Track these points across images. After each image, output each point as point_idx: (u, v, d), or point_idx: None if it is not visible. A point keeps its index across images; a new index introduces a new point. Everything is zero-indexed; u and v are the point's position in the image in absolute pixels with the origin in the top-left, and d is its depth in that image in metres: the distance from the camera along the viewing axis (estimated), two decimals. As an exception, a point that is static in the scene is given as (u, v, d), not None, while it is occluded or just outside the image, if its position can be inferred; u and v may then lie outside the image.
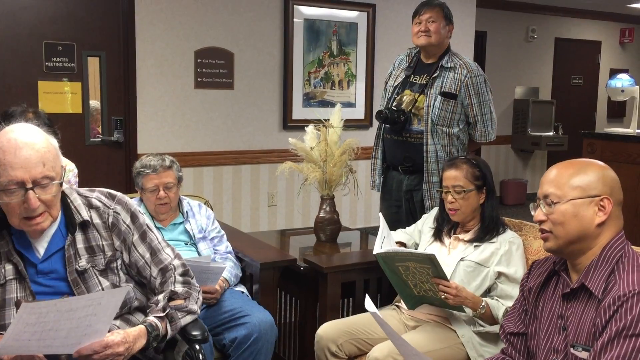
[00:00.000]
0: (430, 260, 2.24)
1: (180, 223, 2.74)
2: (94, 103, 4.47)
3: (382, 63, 5.42)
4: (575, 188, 1.55)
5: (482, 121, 3.17)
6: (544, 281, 1.69)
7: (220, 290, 2.56)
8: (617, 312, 1.42)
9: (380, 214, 2.74)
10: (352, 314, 2.72)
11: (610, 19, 8.79)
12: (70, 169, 2.94)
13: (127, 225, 1.81)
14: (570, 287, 1.59)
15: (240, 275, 2.75)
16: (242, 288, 2.74)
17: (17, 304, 1.58)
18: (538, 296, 1.69)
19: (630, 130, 4.81)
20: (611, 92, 5.10)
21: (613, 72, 7.78)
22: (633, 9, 8.34)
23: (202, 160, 4.78)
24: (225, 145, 4.88)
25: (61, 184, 1.67)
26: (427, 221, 2.72)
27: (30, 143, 1.61)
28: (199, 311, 1.83)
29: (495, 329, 2.29)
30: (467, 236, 2.48)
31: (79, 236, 1.74)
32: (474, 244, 2.44)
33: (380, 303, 2.87)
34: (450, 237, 2.55)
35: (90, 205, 1.79)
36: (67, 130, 4.31)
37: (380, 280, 2.92)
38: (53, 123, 2.70)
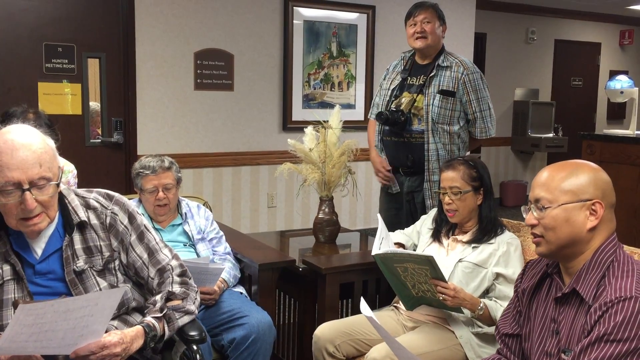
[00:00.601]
0: (429, 262, 2.24)
1: (179, 224, 2.74)
2: (94, 104, 4.47)
3: (382, 65, 5.42)
4: (567, 192, 1.54)
5: (481, 117, 3.20)
6: (537, 283, 1.68)
7: (219, 291, 2.56)
8: (601, 317, 1.43)
9: (379, 215, 2.74)
10: (351, 315, 2.72)
11: (610, 20, 8.80)
12: (70, 169, 2.95)
13: (125, 226, 1.81)
14: (562, 291, 1.58)
15: (239, 276, 2.76)
16: (240, 289, 2.74)
17: (15, 305, 1.57)
18: (532, 298, 1.69)
19: (630, 132, 4.81)
20: (610, 94, 5.10)
21: (613, 74, 7.78)
22: (633, 11, 8.35)
23: (202, 162, 4.79)
24: (225, 146, 4.89)
25: (58, 185, 1.68)
26: (426, 222, 2.72)
27: (27, 144, 1.61)
28: (196, 312, 1.83)
29: (493, 330, 2.29)
30: (465, 237, 2.48)
31: (76, 237, 1.75)
32: (472, 245, 2.44)
33: (379, 304, 2.87)
34: (448, 238, 2.55)
35: (88, 206, 1.79)
36: (67, 131, 4.32)
37: (379, 281, 2.92)
38: (53, 124, 2.70)
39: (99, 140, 4.49)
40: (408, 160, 3.20)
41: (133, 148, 4.51)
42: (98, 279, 1.75)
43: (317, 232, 3.18)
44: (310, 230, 3.27)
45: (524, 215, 1.63)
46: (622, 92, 4.97)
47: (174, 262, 1.87)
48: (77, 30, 4.34)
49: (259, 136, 5.04)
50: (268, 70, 5.02)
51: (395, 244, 2.70)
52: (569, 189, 1.54)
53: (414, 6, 3.23)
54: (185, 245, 2.71)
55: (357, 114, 5.45)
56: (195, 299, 1.85)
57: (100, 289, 1.74)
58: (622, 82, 5.00)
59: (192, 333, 1.77)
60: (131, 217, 1.84)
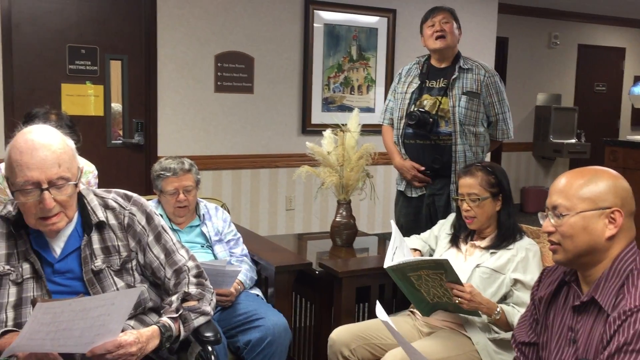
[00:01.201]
0: (443, 266, 2.23)
1: (197, 225, 2.76)
2: (116, 106, 4.53)
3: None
4: (585, 200, 1.51)
5: (503, 119, 3.22)
6: (554, 291, 1.66)
7: (236, 293, 2.57)
8: (620, 327, 1.40)
9: (393, 222, 2.72)
10: (367, 319, 2.72)
11: (635, 25, 8.67)
12: (90, 170, 2.98)
13: (142, 227, 1.83)
14: (581, 299, 1.56)
15: (256, 278, 2.76)
16: (257, 291, 2.75)
17: (33, 303, 1.60)
18: (549, 306, 1.67)
19: (654, 138, 4.73)
20: (635, 99, 5.03)
21: (637, 79, 7.67)
22: (659, 15, 8.23)
23: (221, 164, 4.81)
24: (244, 148, 4.91)
25: (76, 185, 1.69)
26: (444, 227, 2.71)
27: (47, 144, 1.64)
28: (212, 313, 1.84)
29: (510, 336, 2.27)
30: (484, 243, 2.46)
31: (95, 236, 1.77)
32: (490, 250, 2.42)
33: (395, 308, 2.86)
34: (466, 243, 2.53)
35: (106, 206, 1.81)
36: (89, 132, 4.37)
37: (396, 286, 2.90)
38: (75, 125, 2.74)
39: (120, 142, 4.54)
40: (436, 162, 3.18)
41: (153, 149, 4.56)
42: (115, 278, 1.77)
43: (335, 235, 3.18)
44: (328, 233, 3.27)
45: (541, 222, 1.61)
46: (646, 98, 4.90)
47: (190, 263, 1.88)
48: (100, 32, 4.40)
49: (278, 139, 5.05)
50: (288, 73, 5.03)
51: (412, 250, 2.69)
52: (587, 196, 1.51)
53: (430, 10, 3.24)
54: (202, 246, 2.73)
55: (377, 118, 5.38)
56: (211, 300, 1.85)
57: (118, 289, 1.76)
58: (646, 87, 4.93)
59: (208, 334, 1.78)
60: (149, 218, 1.85)
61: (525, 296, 2.30)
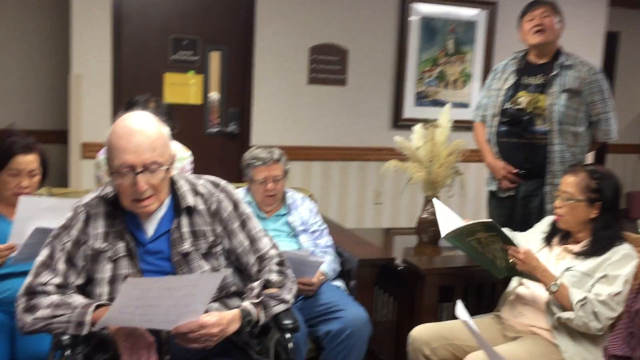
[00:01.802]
0: (493, 227, 2.27)
1: (284, 215, 2.81)
2: (214, 95, 4.68)
3: (501, 63, 5.24)
4: None
5: (605, 119, 3.06)
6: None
7: (318, 283, 2.60)
8: None
9: (436, 200, 2.70)
10: (450, 319, 2.67)
11: None
12: (186, 156, 3.10)
13: (229, 213, 1.89)
14: None
15: (339, 270, 2.78)
16: (339, 283, 2.77)
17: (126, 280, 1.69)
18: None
19: None
20: None
21: None
22: None
23: (312, 155, 4.87)
24: (334, 140, 4.93)
25: (168, 170, 1.77)
26: (540, 227, 2.61)
27: (142, 130, 1.72)
28: (292, 301, 1.87)
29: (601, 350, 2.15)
30: (577, 248, 2.35)
31: (184, 220, 1.84)
32: (582, 257, 2.30)
33: (479, 310, 2.78)
34: (560, 245, 2.42)
35: (196, 192, 1.89)
36: (187, 120, 4.56)
37: (482, 287, 2.84)
38: (172, 113, 2.86)
39: (216, 130, 4.70)
40: (527, 161, 3.07)
41: (247, 138, 4.67)
42: (202, 261, 1.83)
43: (421, 231, 3.14)
44: (415, 229, 3.23)
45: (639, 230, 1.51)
46: None
47: (273, 251, 1.92)
48: (201, 24, 4.56)
49: (369, 132, 5.04)
50: (382, 67, 5.00)
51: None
52: None
53: (531, 2, 3.10)
54: (288, 235, 2.78)
55: (471, 114, 5.28)
56: (292, 288, 1.88)
57: (203, 272, 1.82)
58: None
59: (286, 321, 1.81)
60: (235, 205, 1.91)
61: (604, 288, 2.18)
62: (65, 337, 1.62)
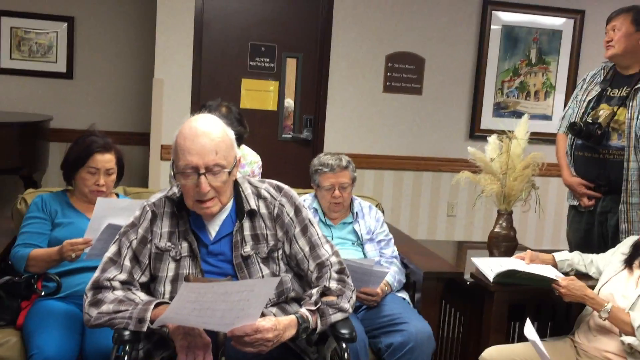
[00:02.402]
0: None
1: (350, 223, 2.78)
2: (289, 101, 4.73)
3: (587, 74, 5.00)
4: None
5: None
6: None
7: (382, 294, 2.55)
8: None
9: (473, 259, 2.69)
10: (519, 340, 2.55)
11: None
12: (255, 160, 3.14)
13: (291, 218, 1.88)
14: None
15: (404, 281, 2.73)
16: (404, 294, 2.71)
17: (187, 279, 1.72)
18: None
19: None
20: None
21: None
22: None
23: (384, 164, 4.82)
24: (408, 150, 4.86)
25: (231, 173, 1.79)
26: (621, 248, 2.46)
27: (208, 132, 1.75)
28: (350, 310, 1.84)
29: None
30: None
31: (246, 223, 1.85)
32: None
33: (552, 332, 2.65)
34: (641, 269, 2.28)
35: (259, 195, 1.89)
36: (262, 125, 4.63)
37: (555, 307, 2.70)
38: (243, 118, 2.90)
39: (290, 136, 4.74)
40: (600, 178, 2.91)
41: (320, 145, 4.69)
42: (262, 265, 1.84)
43: (492, 246, 3.03)
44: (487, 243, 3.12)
45: None
46: None
47: (333, 259, 1.89)
48: (279, 31, 4.62)
49: (444, 142, 4.93)
50: (459, 76, 4.89)
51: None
52: None
53: (612, 13, 2.96)
54: (353, 244, 2.75)
55: (554, 127, 5.04)
56: (351, 297, 1.85)
57: (263, 276, 1.82)
58: None
59: (343, 331, 1.78)
60: (297, 210, 1.90)
61: None
62: (127, 333, 1.66)
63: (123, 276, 1.79)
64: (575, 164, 3.04)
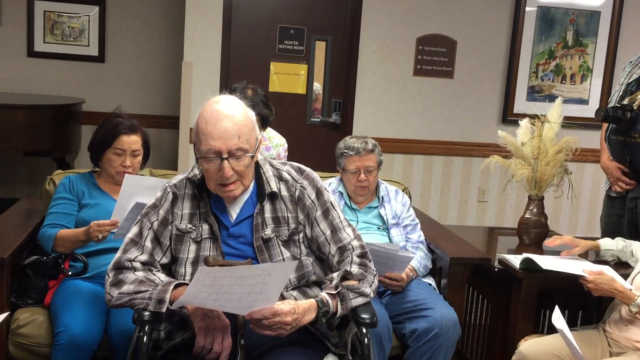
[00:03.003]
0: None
1: (376, 207, 2.75)
2: (317, 85, 4.69)
3: (627, 57, 4.82)
4: None
5: None
6: None
7: (407, 279, 2.52)
8: None
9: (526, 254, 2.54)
10: (549, 329, 2.49)
11: None
12: (281, 143, 3.12)
13: (312, 201, 1.86)
14: None
15: (430, 267, 2.69)
16: (430, 280, 2.67)
17: (206, 261, 1.71)
18: None
19: None
20: None
21: None
22: None
23: (414, 148, 4.75)
24: (438, 134, 4.78)
25: (253, 157, 1.77)
26: None
27: (230, 116, 1.72)
28: (372, 295, 1.81)
29: None
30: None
31: (267, 206, 1.84)
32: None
33: (582, 321, 2.59)
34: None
35: (280, 178, 1.87)
36: (291, 109, 4.61)
37: (586, 296, 2.63)
38: (269, 100, 2.88)
39: (319, 120, 4.71)
40: (630, 163, 2.81)
41: (349, 129, 4.64)
42: (282, 248, 1.82)
43: (522, 232, 2.97)
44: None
45: None
46: None
47: (355, 243, 1.86)
48: (308, 14, 4.57)
49: (476, 127, 4.84)
50: (492, 59, 4.78)
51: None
52: None
53: None
54: (379, 228, 2.71)
55: (590, 111, 4.89)
56: (373, 282, 1.82)
57: (284, 259, 1.81)
58: None
59: (364, 315, 1.75)
60: (319, 193, 1.87)
61: None
62: (146, 314, 1.66)
63: (144, 257, 1.79)
64: (611, 148, 2.95)
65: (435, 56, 4.69)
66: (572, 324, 2.63)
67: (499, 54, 4.78)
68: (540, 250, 2.89)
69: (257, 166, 1.86)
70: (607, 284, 2.17)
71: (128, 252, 1.80)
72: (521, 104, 4.81)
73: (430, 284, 2.63)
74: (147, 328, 1.67)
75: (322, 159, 4.51)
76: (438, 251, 2.68)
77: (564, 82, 4.91)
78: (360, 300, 1.76)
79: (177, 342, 1.75)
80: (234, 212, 1.83)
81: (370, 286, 1.80)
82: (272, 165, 1.90)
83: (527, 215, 2.94)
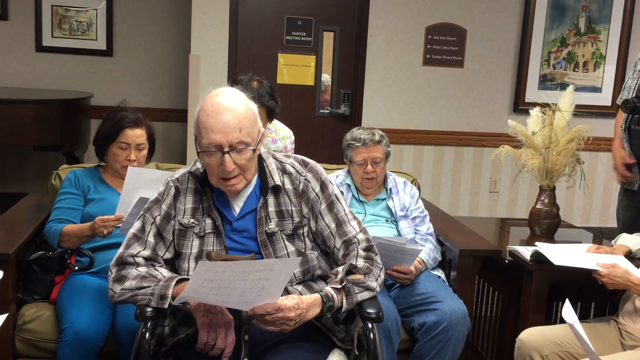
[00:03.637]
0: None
1: (384, 199, 2.71)
2: (326, 76, 4.65)
3: (640, 44, 4.75)
4: None
5: None
6: None
7: (415, 272, 2.48)
8: None
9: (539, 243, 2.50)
10: (561, 322, 2.45)
11: None
12: (288, 135, 3.08)
13: (316, 194, 1.82)
14: None
15: (440, 259, 2.65)
16: (439, 272, 2.63)
17: (209, 256, 1.69)
18: None
19: None
20: None
21: None
22: None
23: (424, 139, 4.70)
24: (448, 125, 4.73)
25: (255, 150, 1.74)
26: None
27: (231, 109, 1.69)
28: (378, 289, 1.77)
29: None
30: None
31: (270, 199, 1.81)
32: None
33: (595, 313, 2.54)
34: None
35: (284, 171, 1.84)
36: (299, 100, 4.57)
37: (600, 289, 2.58)
38: (274, 92, 2.85)
39: (327, 111, 4.67)
40: None
41: (358, 120, 4.60)
42: (287, 242, 1.79)
43: (533, 223, 2.92)
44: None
45: None
46: None
47: (360, 236, 1.83)
48: (315, 4, 4.53)
49: (487, 117, 4.78)
50: (503, 47, 4.71)
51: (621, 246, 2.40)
52: None
53: None
54: (387, 220, 2.68)
55: (604, 99, 4.86)
56: (379, 276, 1.79)
57: (288, 253, 1.78)
58: None
59: (370, 310, 1.72)
60: (323, 186, 1.84)
61: None
62: (149, 310, 1.64)
63: (147, 252, 1.77)
64: (631, 137, 2.88)
65: (445, 45, 4.63)
66: (584, 316, 2.58)
67: (510, 42, 4.71)
68: (551, 240, 2.84)
69: (260, 159, 1.83)
70: (622, 276, 2.12)
71: (130, 248, 1.78)
72: (533, 93, 4.74)
73: (439, 277, 2.59)
74: (149, 324, 1.65)
75: (332, 151, 4.47)
76: (447, 243, 2.64)
77: (576, 70, 4.84)
78: (365, 295, 1.73)
79: (181, 337, 1.73)
80: (237, 206, 1.81)
81: (376, 280, 1.77)
82: (275, 158, 1.86)
83: (538, 206, 2.89)
